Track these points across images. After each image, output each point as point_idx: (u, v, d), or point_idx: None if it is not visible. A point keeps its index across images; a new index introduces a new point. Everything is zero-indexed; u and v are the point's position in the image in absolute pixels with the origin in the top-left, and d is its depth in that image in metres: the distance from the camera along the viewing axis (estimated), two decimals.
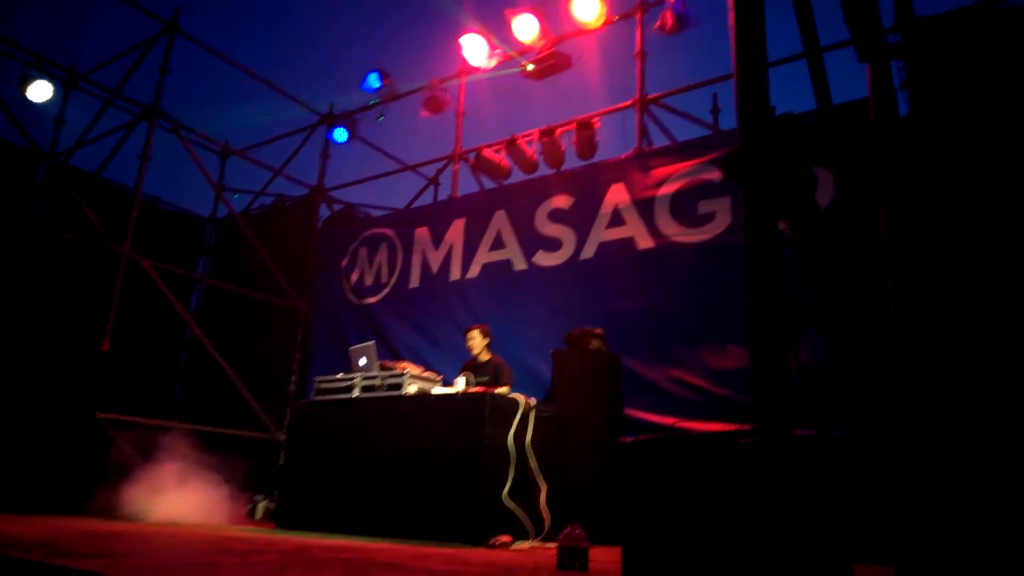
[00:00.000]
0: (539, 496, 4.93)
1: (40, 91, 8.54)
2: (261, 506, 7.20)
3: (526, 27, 7.81)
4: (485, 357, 6.11)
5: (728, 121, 7.27)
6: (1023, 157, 3.79)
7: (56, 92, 8.79)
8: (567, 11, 7.72)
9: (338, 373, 5.84)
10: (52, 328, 7.89)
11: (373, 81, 9.24)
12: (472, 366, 6.06)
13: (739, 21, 1.66)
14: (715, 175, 6.29)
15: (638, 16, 7.52)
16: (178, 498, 6.10)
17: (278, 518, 5.79)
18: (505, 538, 4.50)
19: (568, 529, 3.23)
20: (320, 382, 5.88)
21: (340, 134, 9.63)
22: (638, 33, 7.48)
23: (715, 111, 7.42)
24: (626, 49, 7.51)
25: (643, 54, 7.43)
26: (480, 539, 4.47)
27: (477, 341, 6.10)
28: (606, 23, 7.75)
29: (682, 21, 7.03)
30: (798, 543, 1.67)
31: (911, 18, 4.26)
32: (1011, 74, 4.11)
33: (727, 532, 1.67)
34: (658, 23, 7.20)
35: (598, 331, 5.97)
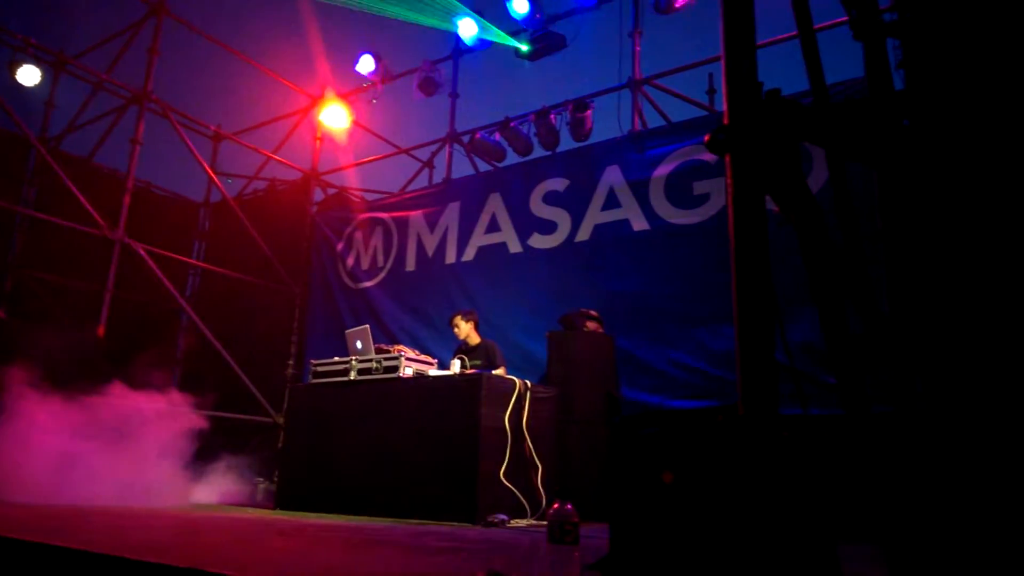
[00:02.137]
0: (536, 476, 4.98)
1: (29, 75, 8.46)
2: (261, 488, 7.25)
3: (521, 5, 7.76)
4: (475, 340, 6.14)
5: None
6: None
7: (45, 77, 8.70)
8: None
9: (335, 356, 5.86)
10: (47, 314, 7.89)
11: (367, 65, 9.17)
12: (464, 350, 6.09)
13: (727, 4, 1.67)
14: (710, 155, 6.28)
15: None
16: (177, 481, 6.14)
17: (278, 500, 5.83)
18: (502, 517, 4.54)
19: (557, 505, 3.27)
20: (317, 365, 5.90)
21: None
22: (633, 12, 7.44)
23: (711, 91, 7.39)
24: (621, 29, 7.47)
25: (638, 33, 7.39)
26: (478, 518, 4.52)
27: (462, 327, 6.14)
28: (601, 1, 7.70)
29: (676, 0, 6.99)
30: (781, 519, 1.69)
31: None
32: (1009, 54, 4.10)
33: (710, 507, 1.70)
34: (653, 2, 7.16)
35: (594, 313, 6.00)
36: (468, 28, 8.22)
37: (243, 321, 9.37)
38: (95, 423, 5.70)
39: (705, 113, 7.14)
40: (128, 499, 5.46)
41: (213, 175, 9.95)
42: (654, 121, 7.39)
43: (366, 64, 9.22)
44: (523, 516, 4.78)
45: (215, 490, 6.39)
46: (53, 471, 5.19)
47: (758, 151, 1.59)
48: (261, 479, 7.31)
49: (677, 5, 7.04)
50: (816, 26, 2.99)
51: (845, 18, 4.55)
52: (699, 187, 6.40)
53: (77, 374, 5.87)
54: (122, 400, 6.51)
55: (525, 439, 4.99)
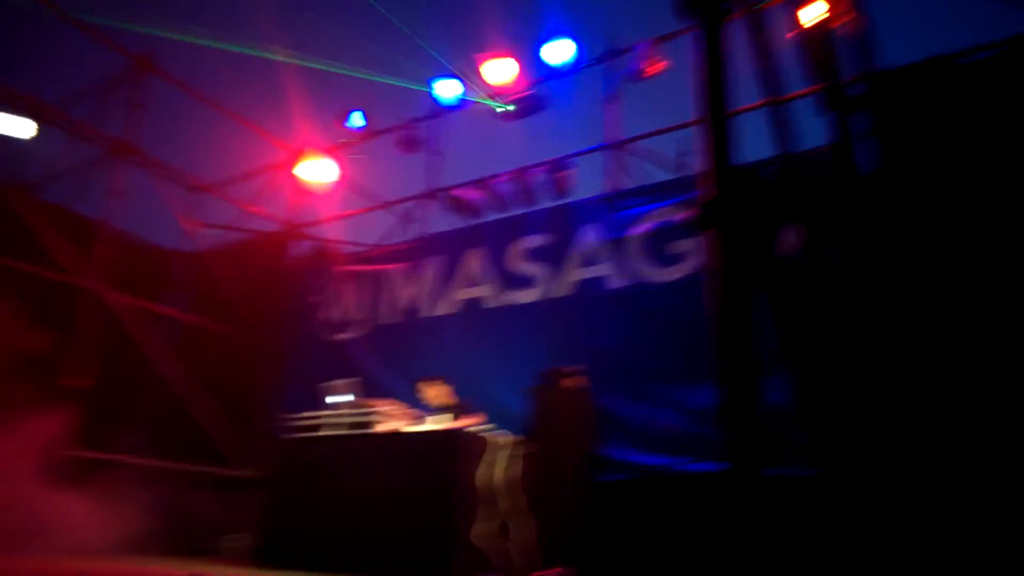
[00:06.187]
0: (512, 534, 4.92)
1: (9, 124, 8.45)
2: (233, 544, 7.05)
3: (501, 70, 7.96)
4: (452, 400, 6.06)
5: (698, 164, 7.45)
6: (979, 202, 3.99)
7: (29, 125, 8.69)
8: (540, 55, 7.91)
9: (309, 410, 5.80)
10: (16, 363, 7.72)
11: (358, 120, 9.21)
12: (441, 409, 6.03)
13: (706, 90, 1.77)
14: (685, 216, 6.45)
15: (609, 62, 7.73)
16: (148, 535, 5.97)
17: (255, 556, 5.69)
18: None
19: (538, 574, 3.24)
20: (291, 419, 5.84)
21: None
22: (610, 78, 7.68)
23: (683, 156, 7.59)
24: (599, 93, 7.70)
25: (615, 98, 7.62)
26: None
27: (426, 393, 5.94)
28: (579, 68, 7.94)
29: (652, 68, 7.22)
30: None
31: (874, 71, 4.47)
32: (966, 125, 4.34)
33: (701, 568, 1.72)
34: (629, 69, 7.40)
35: (572, 369, 6.01)
36: (448, 89, 8.39)
37: (217, 373, 9.22)
38: (64, 476, 5.57)
39: (680, 174, 7.32)
40: (104, 553, 5.31)
41: (188, 226, 9.92)
42: (631, 181, 7.55)
43: (355, 121, 9.23)
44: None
45: (180, 544, 6.21)
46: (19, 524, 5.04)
47: (737, 230, 1.68)
48: (232, 534, 7.12)
49: (646, 73, 7.26)
50: (784, 96, 3.14)
51: (812, 88, 4.77)
52: (674, 246, 6.54)
53: (47, 424, 5.76)
54: (92, 454, 6.36)
55: (502, 496, 4.95)
